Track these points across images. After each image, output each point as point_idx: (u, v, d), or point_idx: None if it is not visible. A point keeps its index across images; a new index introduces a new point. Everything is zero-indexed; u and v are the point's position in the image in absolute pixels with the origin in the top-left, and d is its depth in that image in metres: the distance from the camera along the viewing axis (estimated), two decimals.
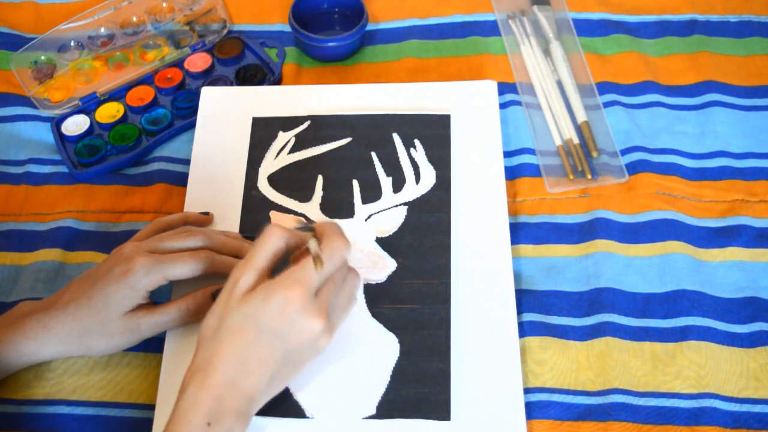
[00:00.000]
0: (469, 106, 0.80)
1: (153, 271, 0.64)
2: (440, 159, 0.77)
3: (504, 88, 0.86)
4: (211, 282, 0.68)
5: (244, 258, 0.59)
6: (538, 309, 0.71)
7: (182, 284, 0.69)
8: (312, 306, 0.56)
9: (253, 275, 0.58)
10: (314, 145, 0.78)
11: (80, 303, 0.64)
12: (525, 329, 0.70)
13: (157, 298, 0.69)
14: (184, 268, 0.65)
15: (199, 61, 0.89)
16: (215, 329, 0.57)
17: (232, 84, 0.88)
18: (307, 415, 0.64)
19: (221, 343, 0.56)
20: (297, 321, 0.56)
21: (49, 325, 0.64)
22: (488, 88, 0.81)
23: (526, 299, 0.72)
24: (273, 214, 0.74)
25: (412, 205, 0.74)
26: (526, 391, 0.67)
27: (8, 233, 0.78)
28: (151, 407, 0.66)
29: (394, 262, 0.71)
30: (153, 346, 0.70)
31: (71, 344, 0.64)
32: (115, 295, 0.63)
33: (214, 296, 0.67)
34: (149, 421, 0.65)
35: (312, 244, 0.57)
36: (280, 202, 0.75)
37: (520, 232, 0.76)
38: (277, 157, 0.78)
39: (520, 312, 0.71)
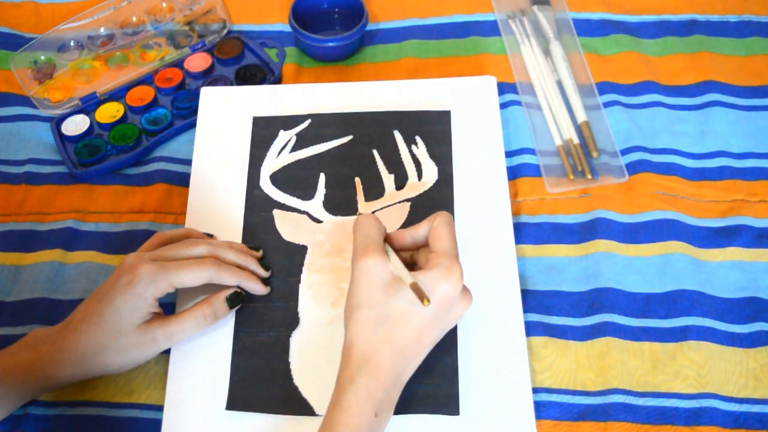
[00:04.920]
0: (469, 102, 0.81)
1: (158, 279, 0.63)
2: (442, 155, 0.77)
3: (504, 88, 0.86)
4: (220, 288, 0.68)
5: (360, 244, 0.62)
6: (539, 309, 0.71)
7: (187, 294, 0.69)
8: (462, 285, 0.61)
9: (386, 259, 0.61)
10: (315, 144, 0.79)
11: (90, 320, 0.63)
12: (525, 329, 0.70)
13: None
14: (189, 276, 0.64)
15: (199, 61, 0.89)
16: (372, 321, 0.59)
17: (232, 84, 0.88)
18: (317, 412, 0.65)
19: (385, 331, 0.59)
20: (456, 303, 0.61)
21: (63, 346, 0.63)
22: (488, 83, 0.82)
23: (526, 299, 0.72)
24: (276, 212, 0.74)
25: (415, 202, 0.74)
26: None
27: (8, 233, 0.78)
28: (151, 407, 0.67)
29: None
30: None
31: (87, 364, 0.63)
32: (124, 306, 0.62)
33: (228, 300, 0.67)
34: (150, 421, 0.66)
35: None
36: (282, 201, 0.75)
37: (520, 232, 0.76)
38: (279, 156, 0.78)
39: None
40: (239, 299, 0.68)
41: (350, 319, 0.61)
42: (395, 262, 0.61)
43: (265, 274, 0.71)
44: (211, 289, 0.68)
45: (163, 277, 0.63)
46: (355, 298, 0.61)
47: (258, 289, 0.69)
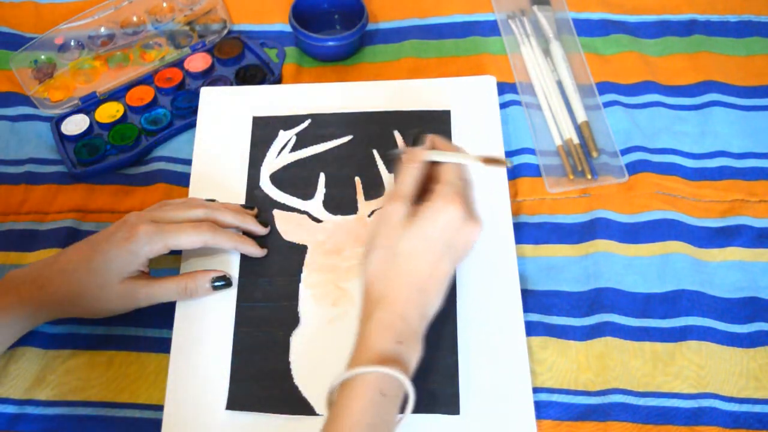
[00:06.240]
0: (469, 102, 0.80)
1: (155, 240, 0.65)
2: None
3: (504, 88, 0.86)
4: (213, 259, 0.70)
5: (388, 192, 0.65)
6: (538, 309, 0.71)
7: (191, 262, 0.71)
8: (467, 209, 0.63)
9: (406, 204, 0.63)
10: (315, 144, 0.79)
11: (79, 265, 0.65)
12: (525, 329, 0.70)
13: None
14: (185, 239, 0.66)
15: (199, 61, 0.89)
16: (386, 260, 0.61)
17: (232, 84, 0.88)
18: (317, 412, 0.65)
19: (399, 268, 0.60)
20: (462, 228, 0.62)
21: (45, 286, 0.64)
22: (488, 83, 0.82)
23: (526, 299, 0.72)
24: (276, 212, 0.74)
25: None
26: None
27: (8, 233, 0.78)
28: (152, 407, 0.67)
29: None
30: (154, 346, 0.70)
31: (66, 305, 0.65)
32: (116, 259, 0.64)
33: (213, 282, 0.69)
34: (150, 421, 0.66)
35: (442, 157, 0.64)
36: (283, 201, 0.75)
37: (520, 232, 0.76)
38: (279, 156, 0.78)
39: None
40: (224, 285, 0.69)
41: (366, 261, 0.62)
42: (451, 157, 0.64)
43: (264, 231, 0.72)
44: (214, 250, 0.71)
45: (159, 238, 0.65)
46: (370, 242, 0.63)
47: (255, 251, 0.71)
